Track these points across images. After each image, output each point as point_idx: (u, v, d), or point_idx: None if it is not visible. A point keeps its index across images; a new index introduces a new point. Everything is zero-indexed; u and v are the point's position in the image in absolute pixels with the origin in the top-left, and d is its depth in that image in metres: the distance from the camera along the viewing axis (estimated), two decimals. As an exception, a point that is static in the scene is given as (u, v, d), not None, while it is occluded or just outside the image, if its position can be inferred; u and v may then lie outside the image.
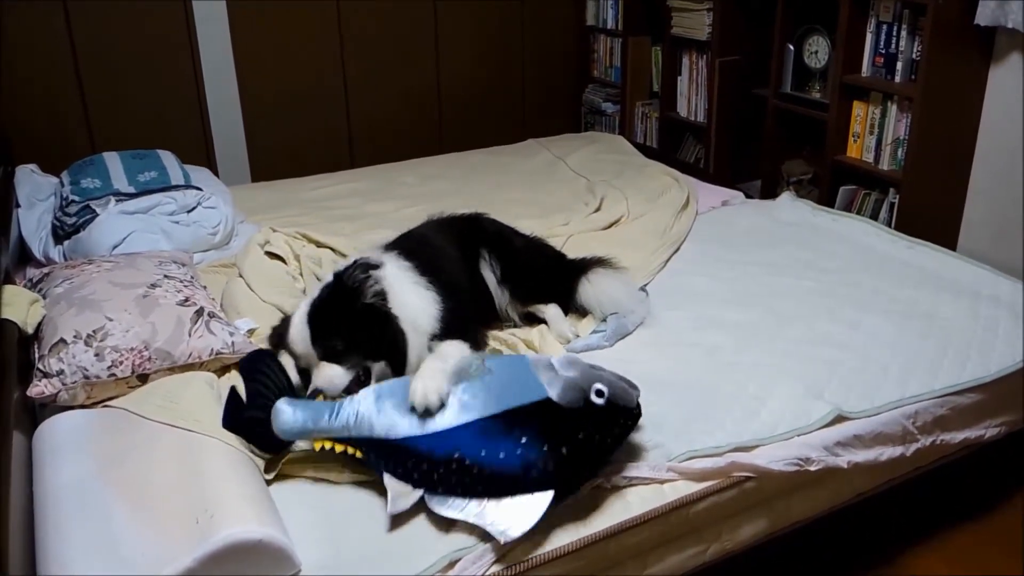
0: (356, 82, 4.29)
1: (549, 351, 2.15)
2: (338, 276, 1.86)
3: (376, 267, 1.86)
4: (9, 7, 3.43)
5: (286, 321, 1.95)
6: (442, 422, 1.62)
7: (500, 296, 2.32)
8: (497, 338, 2.24)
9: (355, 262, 1.88)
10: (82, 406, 1.89)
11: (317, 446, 1.67)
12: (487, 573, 1.52)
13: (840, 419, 1.92)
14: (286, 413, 1.66)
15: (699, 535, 1.77)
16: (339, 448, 1.65)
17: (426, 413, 1.63)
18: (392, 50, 4.33)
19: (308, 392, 1.80)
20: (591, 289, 2.36)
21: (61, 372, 1.86)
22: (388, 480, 1.60)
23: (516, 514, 1.53)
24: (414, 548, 1.55)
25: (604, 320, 2.31)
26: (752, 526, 1.84)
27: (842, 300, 2.46)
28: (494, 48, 4.62)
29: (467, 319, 2.03)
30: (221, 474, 1.58)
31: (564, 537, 1.60)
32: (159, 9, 3.74)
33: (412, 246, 2.15)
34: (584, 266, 2.44)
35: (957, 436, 2.10)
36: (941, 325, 2.31)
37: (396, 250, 2.08)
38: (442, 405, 1.64)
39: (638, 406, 1.71)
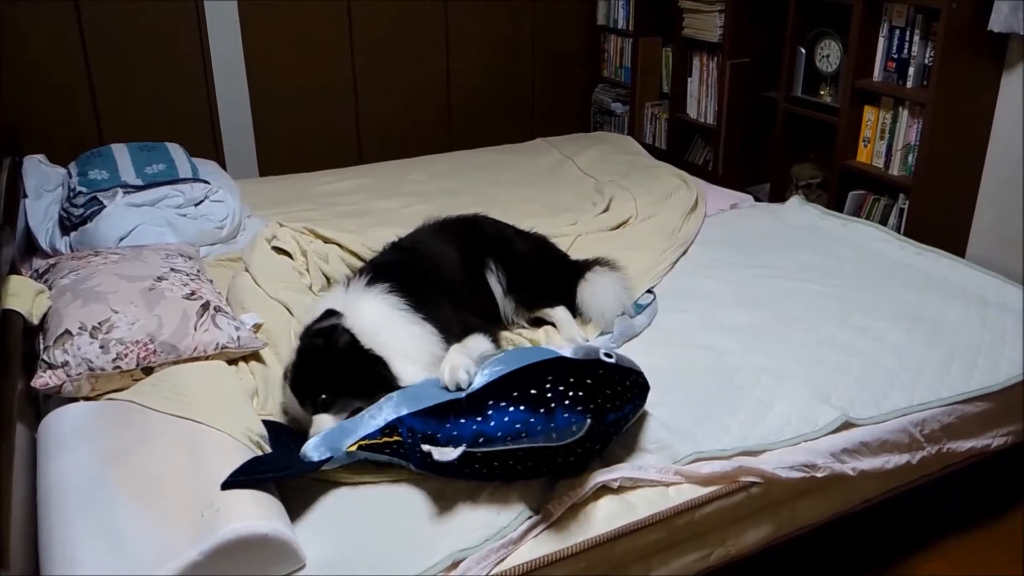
0: (365, 78, 4.28)
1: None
2: (304, 333, 1.85)
3: (337, 315, 1.83)
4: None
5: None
6: (475, 384, 1.67)
7: (506, 304, 2.30)
8: (505, 339, 2.23)
9: (324, 313, 1.84)
10: (86, 398, 1.89)
11: (352, 448, 1.68)
12: (491, 574, 1.51)
13: (847, 425, 1.92)
14: (310, 449, 1.68)
15: (703, 539, 1.76)
16: (378, 441, 1.67)
17: (458, 390, 1.66)
18: (402, 47, 4.32)
19: None
20: (582, 293, 2.34)
21: (66, 363, 1.86)
22: (428, 448, 1.60)
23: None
24: (418, 547, 1.54)
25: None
26: (757, 531, 1.83)
27: (850, 305, 2.45)
28: (504, 46, 4.61)
29: (475, 329, 2.00)
30: (227, 468, 1.56)
31: (568, 539, 1.60)
32: (170, 2, 3.74)
33: (403, 266, 2.11)
34: (583, 268, 2.43)
35: (964, 445, 2.09)
36: (949, 332, 2.30)
37: (384, 280, 2.00)
38: (470, 382, 1.67)
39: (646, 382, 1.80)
